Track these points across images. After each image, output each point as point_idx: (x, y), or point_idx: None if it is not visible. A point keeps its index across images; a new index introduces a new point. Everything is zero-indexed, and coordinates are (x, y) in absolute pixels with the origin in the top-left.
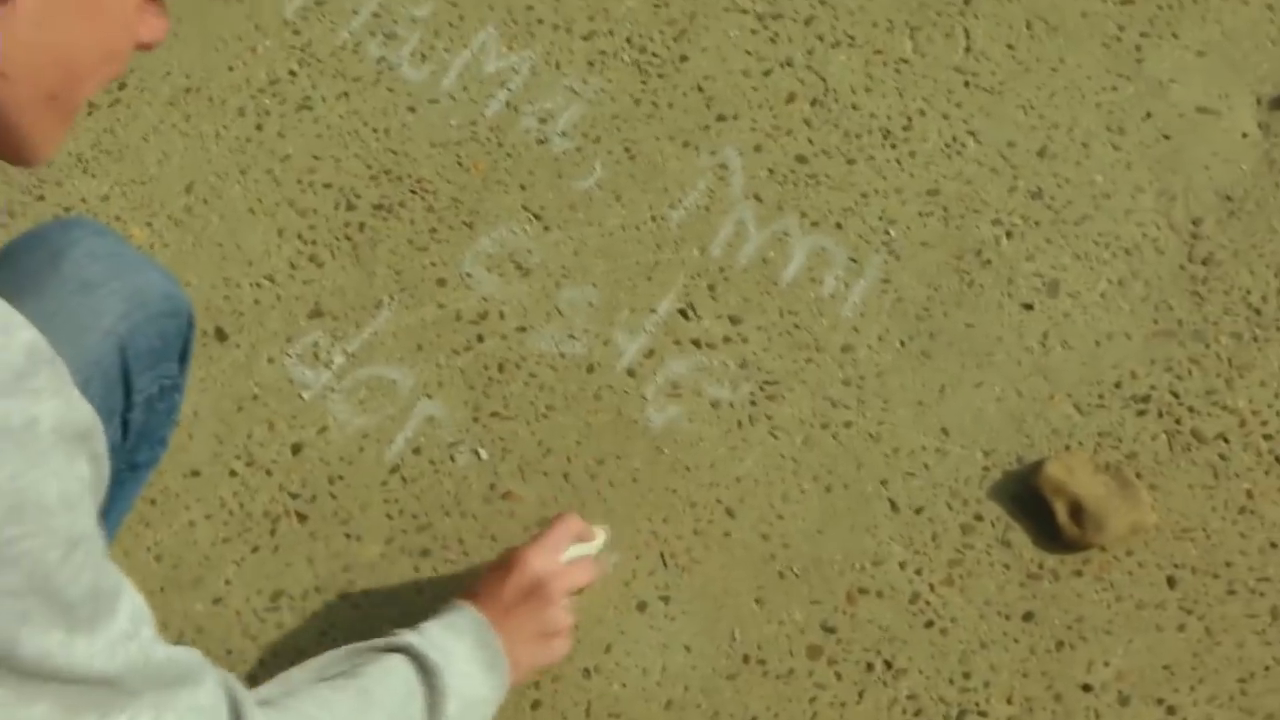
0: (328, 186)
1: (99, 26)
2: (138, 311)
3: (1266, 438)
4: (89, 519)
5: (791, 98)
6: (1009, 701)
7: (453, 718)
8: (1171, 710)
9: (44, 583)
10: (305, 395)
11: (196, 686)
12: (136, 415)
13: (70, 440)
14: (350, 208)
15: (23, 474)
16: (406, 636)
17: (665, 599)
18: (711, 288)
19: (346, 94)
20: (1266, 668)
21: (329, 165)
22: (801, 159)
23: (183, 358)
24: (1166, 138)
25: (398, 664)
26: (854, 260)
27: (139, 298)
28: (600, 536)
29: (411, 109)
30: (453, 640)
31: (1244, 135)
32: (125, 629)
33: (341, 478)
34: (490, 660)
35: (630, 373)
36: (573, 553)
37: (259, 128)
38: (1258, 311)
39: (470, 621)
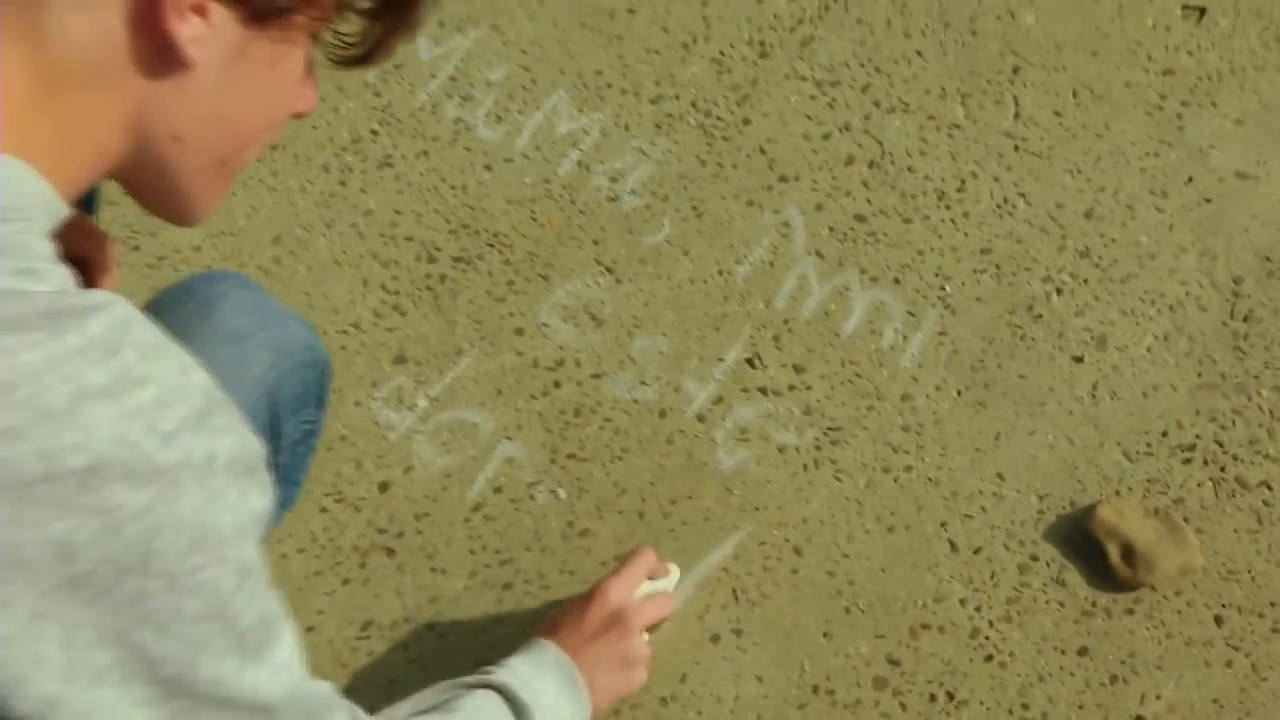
0: (409, 240)
1: (268, 98)
2: (283, 361)
3: None
4: (255, 550)
5: (850, 160)
6: None
7: None
8: None
9: (221, 610)
10: (391, 436)
11: (332, 718)
12: (282, 458)
13: (242, 475)
14: (431, 260)
15: (203, 507)
16: (498, 674)
17: (737, 632)
18: (776, 339)
19: (426, 152)
20: None
21: (410, 219)
22: (860, 218)
23: (319, 403)
24: (1208, 201)
25: (490, 699)
26: (911, 314)
27: (284, 348)
28: (674, 572)
29: (488, 167)
30: (540, 677)
31: None
32: (285, 658)
33: (427, 514)
34: (574, 695)
35: (700, 418)
36: (648, 588)
37: (343, 183)
38: None
39: (555, 659)
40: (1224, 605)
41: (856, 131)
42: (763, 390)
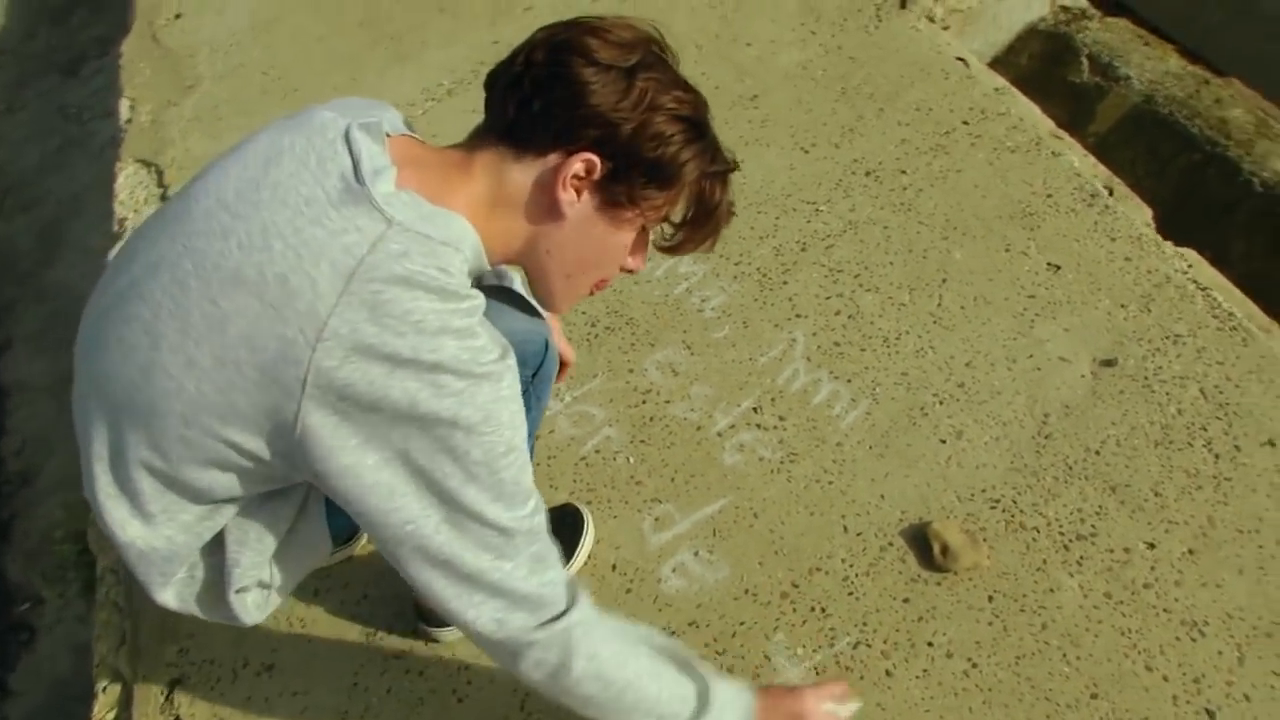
0: (583, 313)
1: (604, 251)
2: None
3: (1061, 533)
4: (522, 440)
5: (838, 312)
6: (885, 641)
7: None
8: (974, 664)
9: (492, 462)
10: (547, 413)
11: (557, 569)
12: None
13: (516, 396)
14: (591, 325)
15: (492, 401)
16: (709, 679)
17: (710, 550)
18: (773, 400)
19: None
20: (1027, 656)
21: (585, 303)
22: (836, 344)
23: (536, 371)
24: (1038, 370)
25: (688, 686)
26: (853, 400)
27: (535, 331)
28: (854, 706)
29: (635, 283)
30: (736, 701)
31: (1081, 376)
32: (528, 514)
33: (553, 458)
34: None
35: (719, 434)
36: (832, 706)
37: None
38: (1070, 468)
39: (749, 705)
40: (994, 591)
41: (845, 298)
42: (759, 426)
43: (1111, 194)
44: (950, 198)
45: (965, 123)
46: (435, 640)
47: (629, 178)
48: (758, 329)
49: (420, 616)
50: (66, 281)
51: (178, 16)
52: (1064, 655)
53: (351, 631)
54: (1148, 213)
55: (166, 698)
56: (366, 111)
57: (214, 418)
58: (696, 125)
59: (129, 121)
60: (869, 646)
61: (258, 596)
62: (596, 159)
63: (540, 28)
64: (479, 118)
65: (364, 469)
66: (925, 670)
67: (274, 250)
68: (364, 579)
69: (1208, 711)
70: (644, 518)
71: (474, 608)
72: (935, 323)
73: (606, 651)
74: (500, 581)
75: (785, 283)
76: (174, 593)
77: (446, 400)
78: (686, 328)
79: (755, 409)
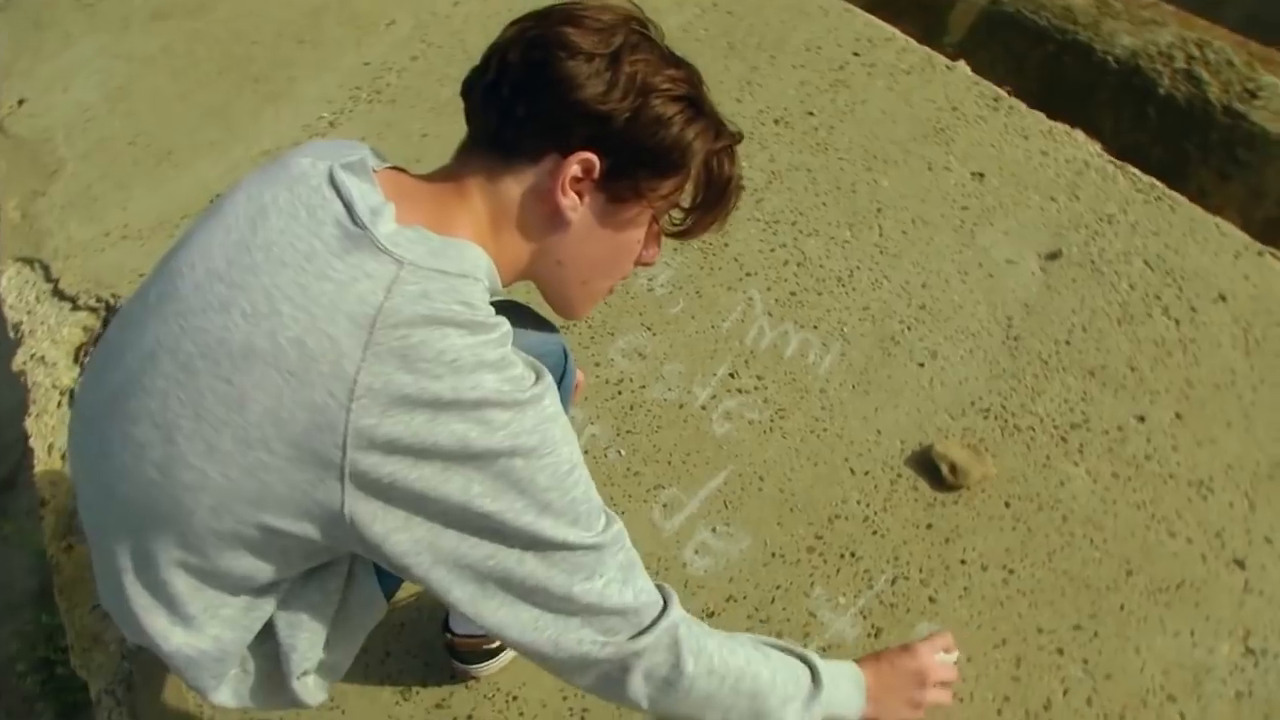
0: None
1: (617, 249)
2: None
3: (1055, 427)
4: (578, 452)
5: (786, 263)
6: (920, 570)
7: (818, 705)
8: (1010, 571)
9: (560, 485)
10: None
11: (644, 574)
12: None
13: (558, 414)
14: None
15: (541, 424)
16: (810, 653)
17: (728, 524)
18: (746, 362)
19: None
20: (1057, 550)
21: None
22: (793, 293)
23: (559, 382)
24: (991, 276)
25: (796, 664)
26: (825, 345)
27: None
28: (955, 654)
29: None
30: (840, 671)
31: (1032, 273)
32: (604, 524)
33: None
34: (857, 697)
35: (703, 407)
36: (942, 657)
37: None
38: (1045, 362)
39: (855, 673)
40: (1009, 496)
41: (791, 248)
42: (739, 390)
43: (1011, 94)
44: (862, 129)
45: (856, 54)
46: (475, 678)
47: (631, 170)
48: (712, 296)
49: (455, 657)
50: None
51: (21, 103)
52: (1091, 541)
53: (384, 695)
54: None
55: None
56: (344, 151)
57: (247, 504)
58: (695, 102)
59: None
60: (906, 579)
61: (320, 676)
62: (594, 157)
63: (510, 23)
64: (373, 141)
65: (426, 538)
66: (966, 588)
67: (283, 314)
68: (382, 637)
69: (1237, 562)
70: (651, 507)
71: (572, 633)
72: (882, 253)
73: (712, 644)
74: (597, 601)
75: (726, 245)
76: (229, 691)
77: (498, 434)
78: (642, 310)
79: (731, 374)
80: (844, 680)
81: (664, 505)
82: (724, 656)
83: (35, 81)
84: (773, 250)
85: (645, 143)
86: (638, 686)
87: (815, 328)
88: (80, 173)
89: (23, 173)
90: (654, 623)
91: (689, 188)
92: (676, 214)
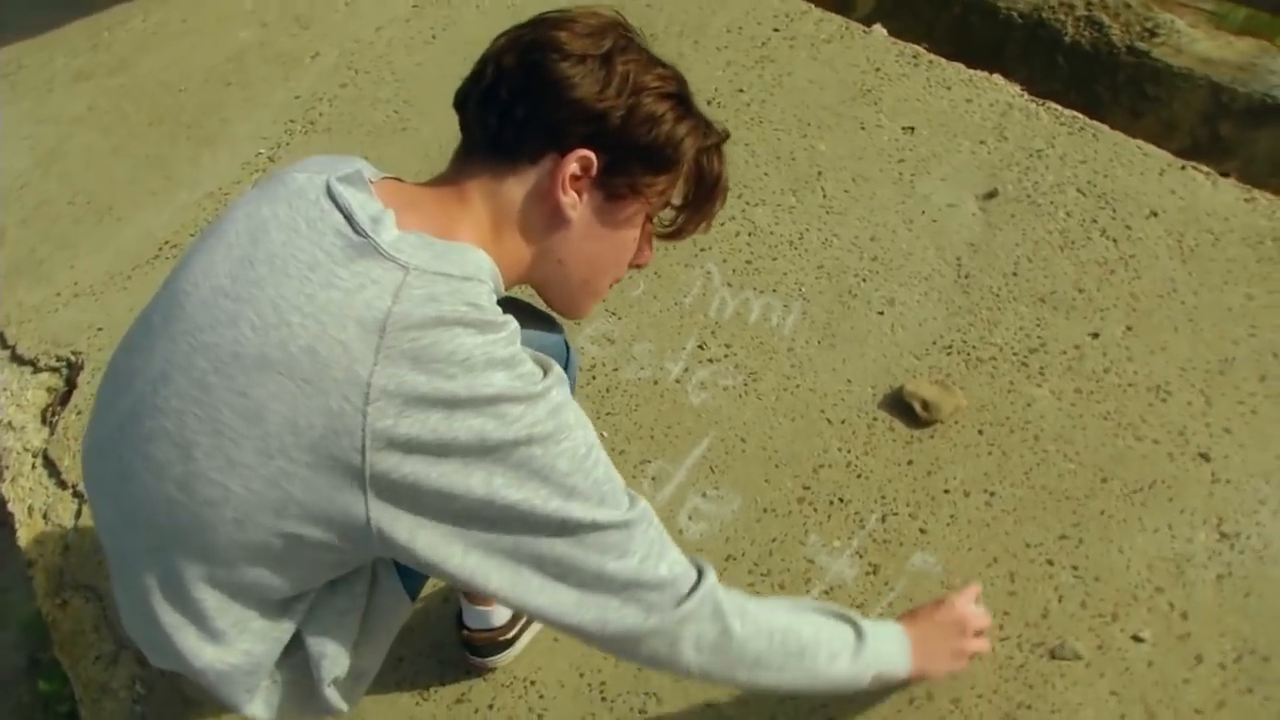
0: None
1: (614, 248)
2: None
3: (1015, 354)
4: (594, 434)
5: (738, 234)
6: (908, 504)
7: (864, 659)
8: (992, 494)
9: (581, 468)
10: None
11: (674, 546)
12: None
13: (569, 402)
14: None
15: (554, 411)
16: (855, 616)
17: (716, 487)
18: (713, 332)
19: None
20: (1033, 468)
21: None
22: (748, 261)
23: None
24: (934, 221)
25: (835, 619)
26: (786, 306)
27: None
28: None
29: None
30: (883, 629)
31: (973, 214)
32: (629, 501)
33: None
34: (902, 652)
35: (677, 380)
36: (975, 608)
37: None
38: (997, 295)
39: (897, 630)
40: (981, 424)
41: (740, 219)
42: (710, 360)
43: (929, 50)
44: (792, 99)
45: (776, 30)
46: (491, 669)
47: (628, 167)
48: (671, 274)
49: (471, 651)
50: None
51: None
52: (1064, 455)
53: (403, 700)
54: None
55: None
56: (339, 165)
57: (270, 515)
58: (683, 101)
59: None
60: (895, 515)
61: (351, 680)
62: (591, 154)
63: (500, 33)
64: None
65: (454, 534)
66: (953, 516)
67: (292, 324)
68: (393, 644)
69: (1202, 455)
70: (640, 481)
71: (615, 611)
72: (828, 213)
73: (753, 606)
74: (634, 577)
75: None
76: (262, 702)
77: (514, 426)
78: (604, 297)
79: (700, 346)
80: (888, 637)
81: (652, 479)
82: (767, 616)
83: None
84: (723, 224)
85: (640, 139)
86: (689, 655)
87: (774, 291)
88: (22, 238)
89: None
90: (692, 590)
91: (680, 186)
92: (668, 213)
